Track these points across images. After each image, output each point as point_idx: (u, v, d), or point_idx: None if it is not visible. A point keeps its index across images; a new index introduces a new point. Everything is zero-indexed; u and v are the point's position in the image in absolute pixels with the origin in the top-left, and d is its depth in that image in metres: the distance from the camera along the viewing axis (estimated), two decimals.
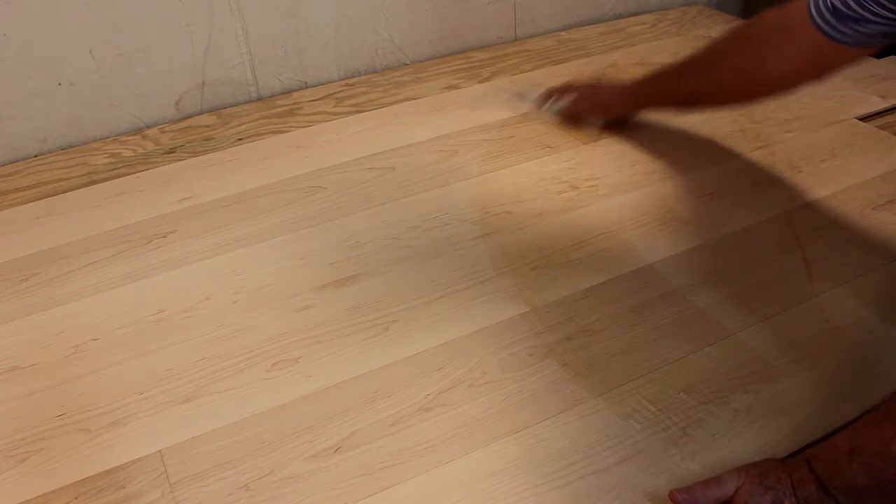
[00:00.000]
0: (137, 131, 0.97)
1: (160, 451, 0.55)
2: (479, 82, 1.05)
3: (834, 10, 0.61)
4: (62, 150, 0.94)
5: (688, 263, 0.70)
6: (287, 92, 1.05)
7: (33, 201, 0.83)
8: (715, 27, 1.19)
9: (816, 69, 0.68)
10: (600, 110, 0.90)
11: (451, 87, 1.04)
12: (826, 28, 0.62)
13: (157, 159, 0.90)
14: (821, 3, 0.62)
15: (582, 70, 1.06)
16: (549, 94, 0.95)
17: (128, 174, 0.87)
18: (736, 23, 0.80)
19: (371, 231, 0.76)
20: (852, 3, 0.59)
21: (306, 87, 1.06)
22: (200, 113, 1.00)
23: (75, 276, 0.72)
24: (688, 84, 0.79)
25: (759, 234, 0.73)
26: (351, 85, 1.06)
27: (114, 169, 0.89)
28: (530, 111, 0.96)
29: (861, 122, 0.91)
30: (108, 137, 0.96)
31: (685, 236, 0.73)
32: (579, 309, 0.65)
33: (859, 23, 0.59)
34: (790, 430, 0.54)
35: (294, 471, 0.53)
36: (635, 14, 1.26)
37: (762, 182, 0.81)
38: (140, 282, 0.70)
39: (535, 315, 0.65)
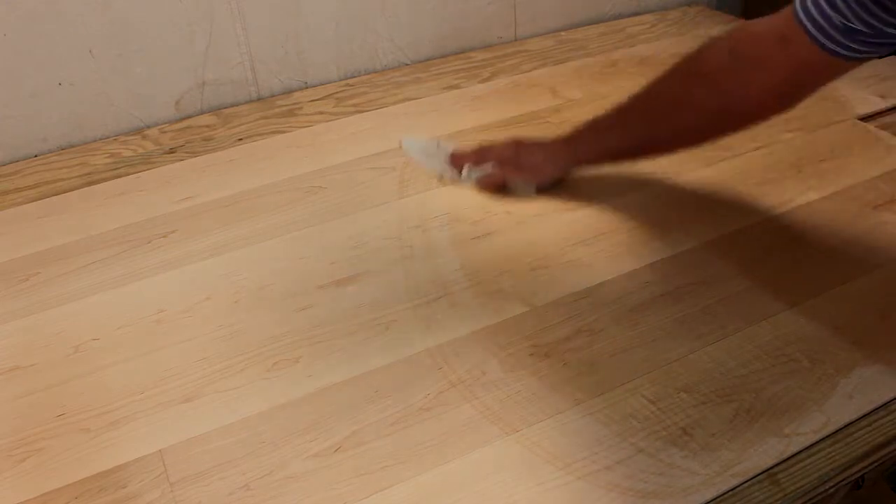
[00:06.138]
0: (137, 131, 0.97)
1: (160, 450, 0.55)
2: (479, 82, 1.05)
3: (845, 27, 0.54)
4: (62, 150, 0.94)
5: (687, 263, 0.70)
6: (287, 92, 1.05)
7: (33, 201, 0.83)
8: (715, 27, 1.19)
9: (801, 88, 0.62)
10: (528, 174, 0.78)
11: (451, 87, 1.04)
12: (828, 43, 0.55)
13: (158, 159, 0.90)
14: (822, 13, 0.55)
15: (582, 70, 1.06)
16: (461, 160, 0.80)
17: (128, 174, 0.87)
18: (676, 62, 0.67)
19: (371, 231, 0.76)
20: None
21: (306, 87, 1.06)
22: (200, 113, 1.00)
23: (75, 276, 0.72)
24: (638, 135, 0.71)
25: (758, 234, 0.73)
26: (351, 85, 1.06)
27: (114, 169, 0.89)
28: (443, 177, 0.82)
29: (861, 122, 0.91)
30: (108, 137, 0.96)
31: (685, 236, 0.73)
32: (579, 309, 0.65)
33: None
34: (791, 429, 0.54)
35: (294, 471, 0.53)
36: (635, 14, 1.26)
37: (762, 182, 0.81)
38: (140, 282, 0.71)
39: (535, 315, 0.65)
